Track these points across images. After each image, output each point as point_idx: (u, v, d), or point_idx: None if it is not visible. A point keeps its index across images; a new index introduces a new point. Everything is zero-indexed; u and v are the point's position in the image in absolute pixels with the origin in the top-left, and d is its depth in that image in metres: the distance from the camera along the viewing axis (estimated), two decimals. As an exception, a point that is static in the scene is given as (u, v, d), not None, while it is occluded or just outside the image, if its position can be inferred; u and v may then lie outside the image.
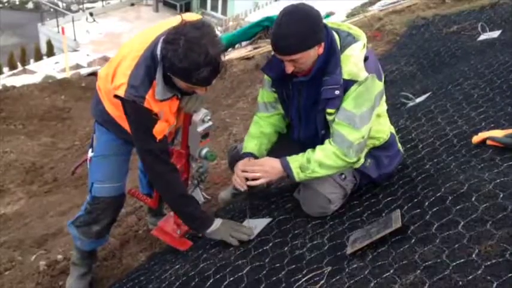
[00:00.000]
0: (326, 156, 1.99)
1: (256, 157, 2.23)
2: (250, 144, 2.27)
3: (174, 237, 2.53)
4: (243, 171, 2.14)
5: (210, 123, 2.30)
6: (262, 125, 2.29)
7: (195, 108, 2.20)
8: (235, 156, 2.51)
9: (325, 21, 1.98)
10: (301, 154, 2.06)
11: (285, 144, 2.31)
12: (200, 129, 2.25)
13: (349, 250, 1.79)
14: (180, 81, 1.96)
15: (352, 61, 1.94)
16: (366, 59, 1.96)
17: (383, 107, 2.15)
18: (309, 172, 2.01)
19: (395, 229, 1.74)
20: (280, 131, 2.33)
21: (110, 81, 2.07)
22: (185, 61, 1.83)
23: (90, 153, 2.38)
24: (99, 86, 2.24)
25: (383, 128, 2.19)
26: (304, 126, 2.17)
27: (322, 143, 2.12)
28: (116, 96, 2.02)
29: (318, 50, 1.93)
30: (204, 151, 2.32)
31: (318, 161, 1.99)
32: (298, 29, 1.85)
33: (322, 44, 1.93)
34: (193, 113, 2.22)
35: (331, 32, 1.98)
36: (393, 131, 2.29)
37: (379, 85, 2.01)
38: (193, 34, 1.85)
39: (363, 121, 1.97)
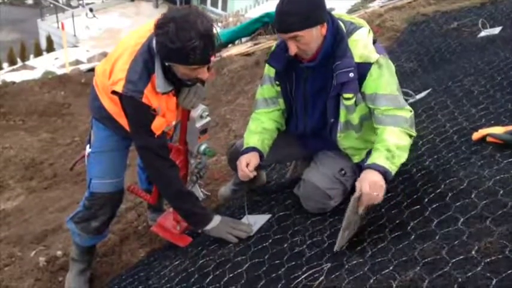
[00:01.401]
0: (399, 137, 1.90)
1: (259, 151, 2.19)
2: (252, 140, 2.23)
3: (174, 233, 2.53)
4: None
5: (208, 118, 2.29)
6: (264, 121, 2.26)
7: (193, 104, 2.19)
8: (235, 154, 2.50)
9: None
10: (374, 151, 1.90)
11: (282, 142, 2.31)
12: (198, 125, 2.24)
13: (335, 247, 1.80)
14: (179, 67, 1.94)
15: (361, 44, 1.94)
16: (374, 41, 1.98)
17: None
18: (396, 160, 1.87)
19: (355, 199, 1.76)
20: (280, 128, 2.31)
21: (108, 77, 2.06)
22: (177, 41, 1.82)
23: (87, 149, 2.38)
24: (96, 82, 2.24)
25: None
26: (311, 117, 2.16)
27: (330, 133, 2.12)
28: (114, 92, 2.01)
29: (320, 31, 1.91)
30: (202, 147, 2.31)
31: (396, 145, 1.88)
32: (301, 6, 1.85)
33: (325, 25, 1.92)
34: (191, 108, 2.21)
35: (336, 19, 1.98)
36: None
37: (392, 64, 2.03)
38: (180, 14, 1.85)
39: (402, 97, 1.98)
